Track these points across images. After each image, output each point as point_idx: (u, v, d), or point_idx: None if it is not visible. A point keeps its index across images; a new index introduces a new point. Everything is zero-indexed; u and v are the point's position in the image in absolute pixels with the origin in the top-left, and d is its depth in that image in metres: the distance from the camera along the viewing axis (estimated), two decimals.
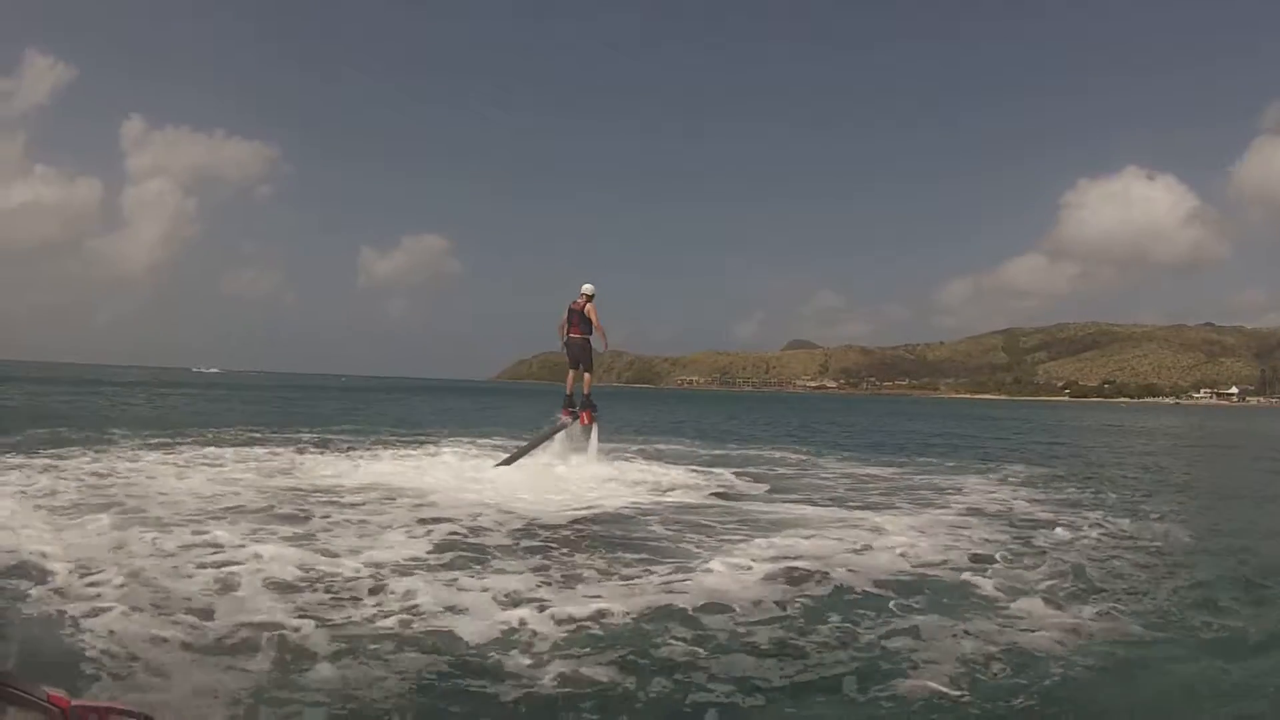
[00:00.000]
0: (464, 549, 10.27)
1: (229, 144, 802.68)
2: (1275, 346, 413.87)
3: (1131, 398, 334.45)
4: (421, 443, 25.24)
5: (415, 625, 7.15)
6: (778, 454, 25.92)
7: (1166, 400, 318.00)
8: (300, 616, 7.15)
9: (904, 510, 14.45)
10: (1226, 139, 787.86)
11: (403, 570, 9.00)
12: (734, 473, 19.65)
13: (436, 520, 12.03)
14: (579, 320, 19.78)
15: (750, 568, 9.48)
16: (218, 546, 9.64)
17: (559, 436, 19.80)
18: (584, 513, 13.28)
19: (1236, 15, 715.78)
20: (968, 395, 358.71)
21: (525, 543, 10.92)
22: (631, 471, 18.93)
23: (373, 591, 8.15)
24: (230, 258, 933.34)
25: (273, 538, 10.37)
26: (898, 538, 11.60)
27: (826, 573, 9.27)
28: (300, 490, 14.53)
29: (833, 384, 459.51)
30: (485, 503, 13.73)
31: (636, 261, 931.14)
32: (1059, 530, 12.68)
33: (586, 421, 20.10)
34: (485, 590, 8.27)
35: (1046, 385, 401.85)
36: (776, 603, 8.18)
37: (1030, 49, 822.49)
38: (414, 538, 10.87)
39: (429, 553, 9.99)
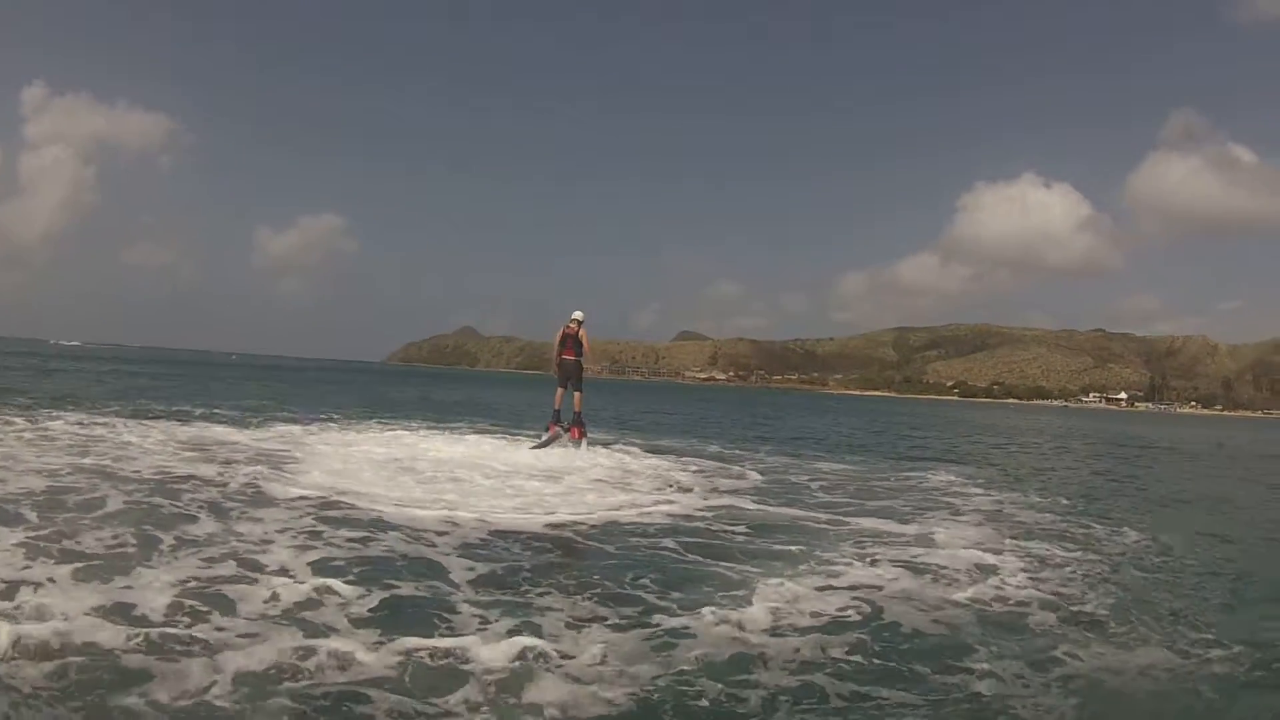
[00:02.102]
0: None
1: (131, 114, 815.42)
2: (1164, 354, 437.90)
3: (1020, 399, 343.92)
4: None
5: None
6: (713, 448, 27.20)
7: (1055, 403, 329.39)
8: None
9: (929, 520, 14.49)
10: (1123, 150, 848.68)
11: None
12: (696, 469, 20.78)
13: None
14: (572, 343, 22.33)
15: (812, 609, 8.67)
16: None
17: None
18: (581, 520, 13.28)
19: (1138, 29, 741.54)
20: (857, 392, 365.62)
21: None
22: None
23: None
24: (127, 229, 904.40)
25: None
26: (964, 553, 11.62)
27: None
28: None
29: (722, 376, 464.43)
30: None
31: (538, 247, 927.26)
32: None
33: (577, 436, 22.06)
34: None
35: (936, 384, 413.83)
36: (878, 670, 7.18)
37: (938, 49, 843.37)
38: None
39: None
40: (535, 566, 10.03)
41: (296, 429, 25.02)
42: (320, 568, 9.21)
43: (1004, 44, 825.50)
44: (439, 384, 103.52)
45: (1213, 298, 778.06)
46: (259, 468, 15.94)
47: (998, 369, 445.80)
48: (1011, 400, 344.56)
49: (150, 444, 18.51)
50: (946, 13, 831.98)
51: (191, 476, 14.52)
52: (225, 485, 13.93)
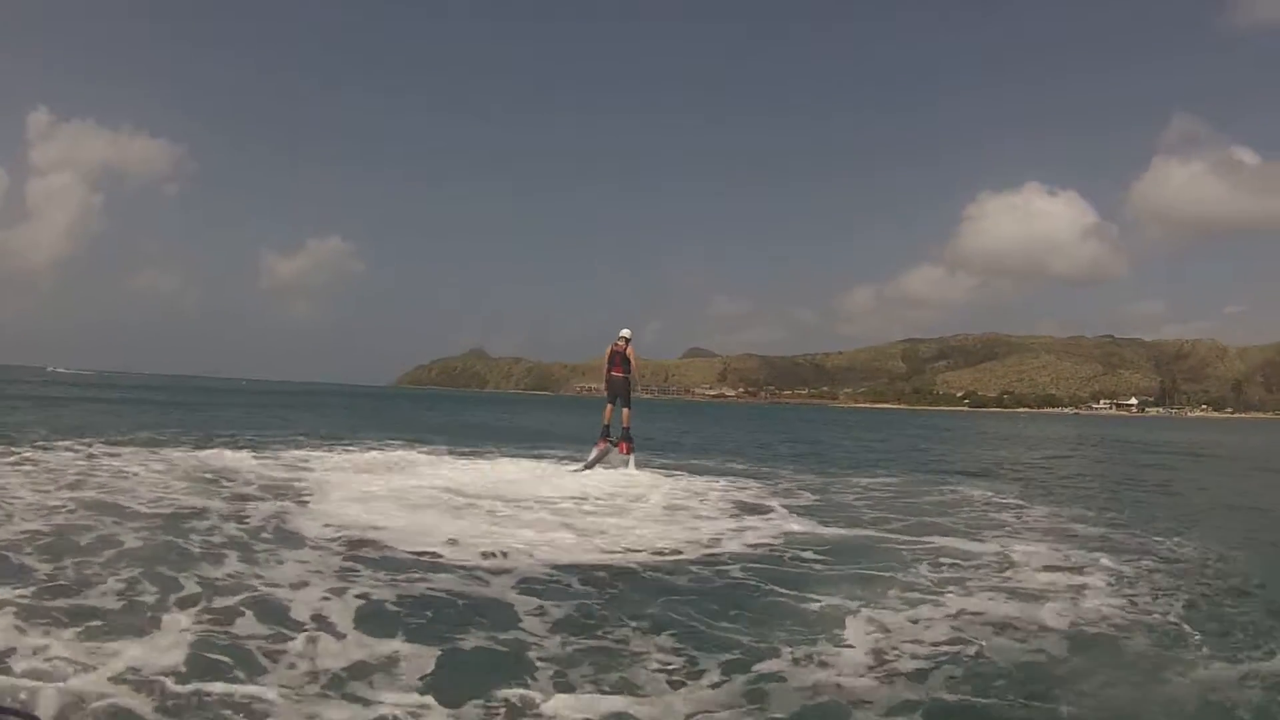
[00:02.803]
0: None
1: (136, 140, 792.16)
2: (1173, 359, 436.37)
3: (1030, 408, 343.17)
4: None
5: None
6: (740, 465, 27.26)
7: (1066, 411, 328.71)
8: None
9: (995, 538, 14.06)
10: (1126, 157, 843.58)
11: None
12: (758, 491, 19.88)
13: None
14: (620, 361, 23.00)
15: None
16: None
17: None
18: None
19: (1136, 35, 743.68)
20: (867, 405, 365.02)
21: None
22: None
23: None
24: (133, 256, 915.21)
25: None
26: (1045, 575, 11.11)
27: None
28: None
29: (731, 392, 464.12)
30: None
31: (539, 266, 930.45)
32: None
33: (625, 451, 22.67)
34: None
35: (945, 395, 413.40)
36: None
37: (939, 59, 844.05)
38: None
39: None
40: (606, 606, 9.14)
41: (321, 455, 24.05)
42: (364, 618, 8.21)
43: (1004, 53, 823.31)
44: (456, 406, 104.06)
45: (1219, 300, 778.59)
46: (283, 502, 14.97)
47: (1007, 378, 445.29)
48: (1022, 409, 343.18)
49: (159, 475, 17.66)
50: (946, 23, 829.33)
51: (206, 510, 13.63)
52: (246, 520, 13.02)
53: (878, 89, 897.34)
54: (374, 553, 11.14)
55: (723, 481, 21.54)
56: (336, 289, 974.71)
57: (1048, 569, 11.37)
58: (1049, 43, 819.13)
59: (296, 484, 17.46)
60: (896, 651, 7.66)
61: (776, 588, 10.05)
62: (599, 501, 16.84)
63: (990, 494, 20.55)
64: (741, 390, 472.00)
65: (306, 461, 21.96)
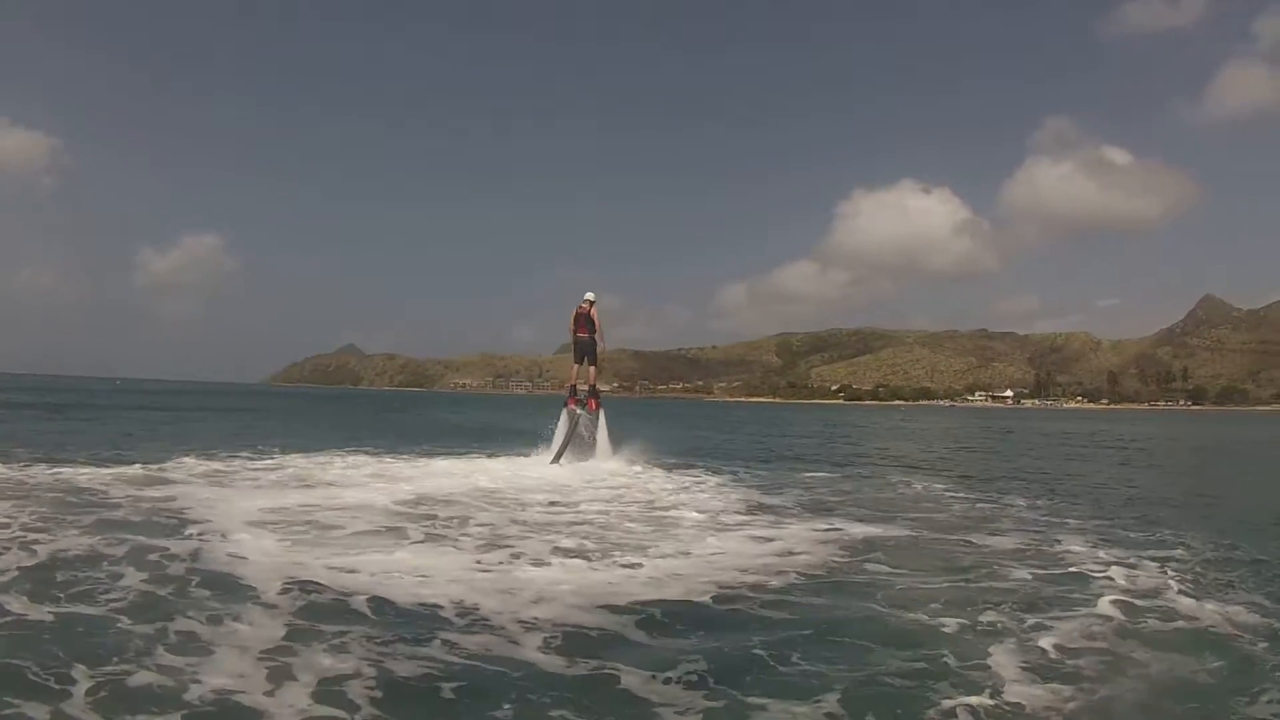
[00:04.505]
0: None
1: (13, 132, 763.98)
2: (1047, 351, 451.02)
3: (906, 400, 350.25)
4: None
5: None
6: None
7: (942, 403, 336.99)
8: None
9: (1023, 534, 13.99)
10: (1000, 156, 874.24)
11: None
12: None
13: None
14: (585, 322, 24.14)
15: None
16: None
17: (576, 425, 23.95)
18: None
19: (1013, 41, 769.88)
20: (742, 398, 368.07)
21: None
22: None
23: None
24: (8, 252, 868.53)
25: None
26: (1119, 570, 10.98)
27: None
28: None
29: (606, 387, 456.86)
30: None
31: (413, 261, 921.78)
32: None
33: (594, 408, 24.35)
34: None
35: (820, 389, 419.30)
36: None
37: (814, 59, 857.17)
38: None
39: None
40: (668, 654, 7.41)
41: (237, 468, 20.53)
42: (357, 708, 6.09)
43: (881, 54, 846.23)
44: (362, 406, 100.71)
45: (1092, 295, 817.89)
46: (200, 533, 11.70)
47: (882, 371, 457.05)
48: (898, 401, 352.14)
49: (15, 503, 13.69)
50: (822, 23, 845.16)
51: (97, 555, 10.21)
52: (153, 559, 10.02)
53: (750, 88, 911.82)
54: (332, 597, 8.61)
55: (687, 476, 21.76)
56: (210, 286, 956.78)
57: (1112, 565, 11.16)
58: (925, 45, 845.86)
59: (202, 509, 13.72)
60: (1050, 669, 7.16)
61: (860, 604, 9.20)
62: (594, 502, 15.92)
63: (938, 487, 21.02)
64: (616, 385, 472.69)
65: (223, 476, 18.69)
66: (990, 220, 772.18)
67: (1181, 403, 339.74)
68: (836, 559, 11.45)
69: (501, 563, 10.57)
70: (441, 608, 8.42)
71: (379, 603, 8.43)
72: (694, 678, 6.78)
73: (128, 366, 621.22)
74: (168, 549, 10.47)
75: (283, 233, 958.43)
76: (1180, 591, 9.69)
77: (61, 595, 8.36)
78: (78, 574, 9.19)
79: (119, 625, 7.55)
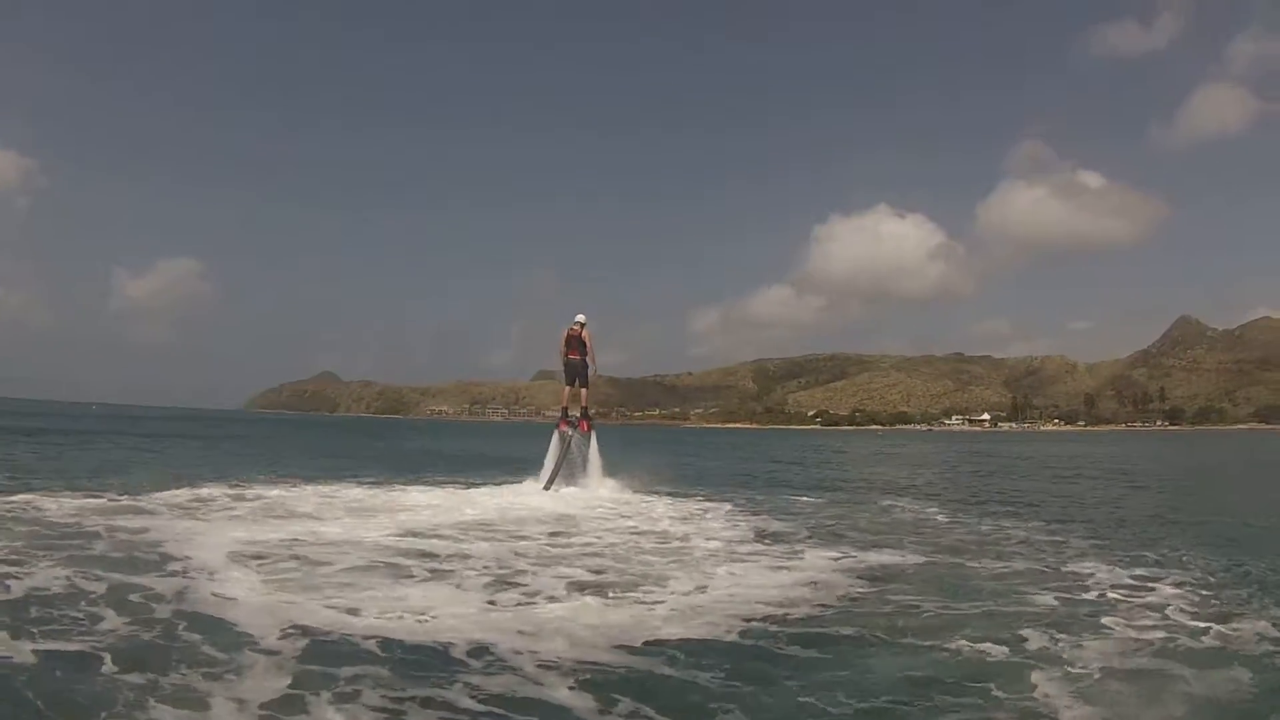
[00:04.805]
0: None
1: None
2: (1022, 375, 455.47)
3: (883, 425, 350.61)
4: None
5: None
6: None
7: (919, 427, 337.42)
8: None
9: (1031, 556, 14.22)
10: (974, 180, 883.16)
11: None
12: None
13: None
14: (577, 344, 24.08)
15: None
16: None
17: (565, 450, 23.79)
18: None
19: (988, 64, 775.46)
20: (719, 424, 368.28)
21: None
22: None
23: None
24: None
25: None
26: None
27: None
28: None
29: None
30: None
31: (394, 289, 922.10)
32: None
33: (586, 429, 24.46)
34: None
35: (798, 414, 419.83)
36: None
37: (790, 85, 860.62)
38: None
39: None
40: (703, 696, 7.02)
41: (215, 495, 19.68)
42: None
43: (856, 78, 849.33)
44: (326, 432, 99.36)
45: (1066, 318, 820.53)
46: (183, 570, 10.94)
47: (858, 396, 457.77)
48: (875, 426, 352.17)
49: (2, 535, 13.06)
50: (801, 46, 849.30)
51: (76, 592, 9.49)
52: (136, 600, 9.30)
53: (726, 111, 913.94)
54: (345, 646, 7.87)
55: (687, 502, 21.78)
56: (186, 310, 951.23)
57: (1138, 587, 11.29)
58: (901, 67, 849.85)
59: (180, 543, 12.94)
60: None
61: (933, 645, 8.60)
62: (606, 534, 15.41)
63: (930, 510, 21.55)
64: (594, 411, 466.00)
65: (200, 506, 17.86)
66: (965, 244, 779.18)
67: (1158, 423, 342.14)
68: (859, 589, 11.18)
69: (516, 601, 9.97)
70: (455, 649, 7.84)
71: (387, 645, 7.84)
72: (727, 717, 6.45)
73: (103, 391, 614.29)
74: (151, 588, 9.78)
75: (260, 258, 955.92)
76: (1202, 610, 9.84)
77: (39, 635, 7.76)
78: (55, 611, 8.57)
79: (105, 673, 6.93)
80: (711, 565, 12.58)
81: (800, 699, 6.95)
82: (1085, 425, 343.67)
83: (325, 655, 7.53)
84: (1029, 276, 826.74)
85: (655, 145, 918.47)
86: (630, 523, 17.22)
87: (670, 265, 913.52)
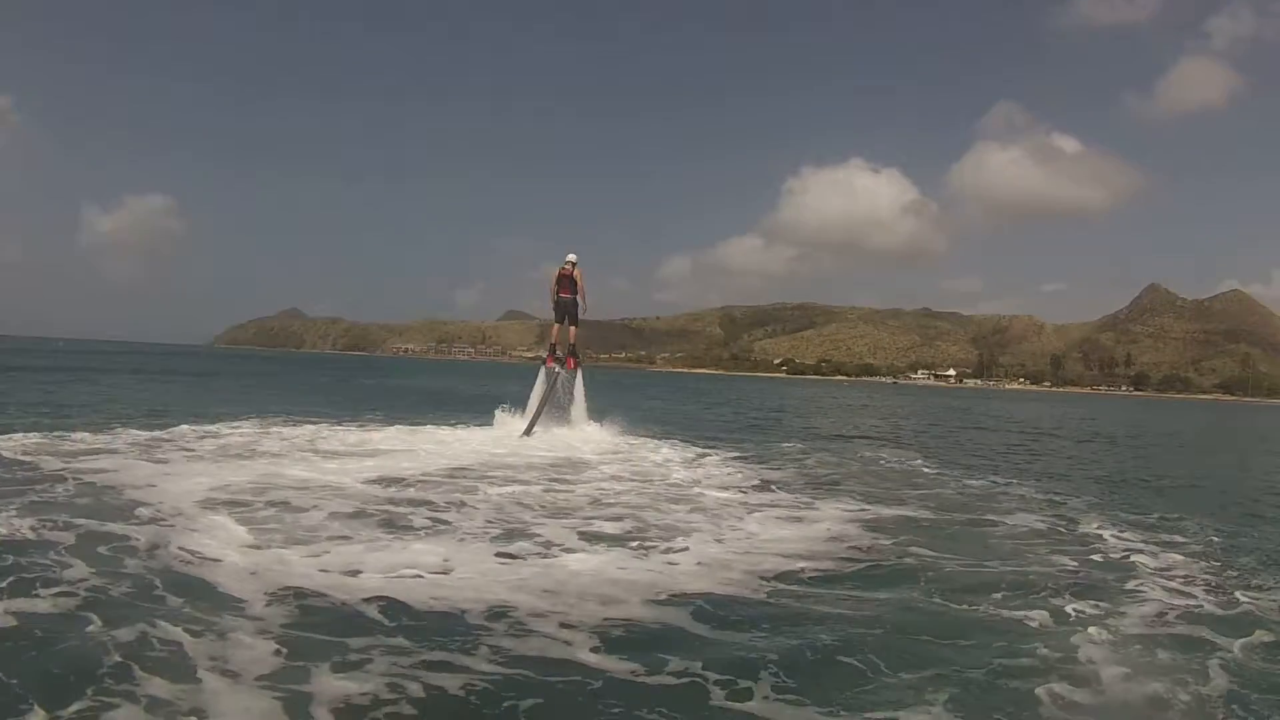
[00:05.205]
0: None
1: None
2: (990, 332, 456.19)
3: (848, 375, 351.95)
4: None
5: None
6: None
7: (885, 380, 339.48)
8: None
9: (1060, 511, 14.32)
10: (950, 138, 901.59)
11: None
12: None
13: None
14: (568, 283, 24.25)
15: None
16: None
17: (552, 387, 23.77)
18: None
19: (969, 30, 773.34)
20: (685, 369, 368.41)
21: None
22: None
23: None
24: None
25: None
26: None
27: None
28: None
29: (548, 355, 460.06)
30: None
31: (364, 227, 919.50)
32: None
33: (572, 366, 24.54)
34: None
35: (764, 362, 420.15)
36: None
37: (769, 37, 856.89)
38: None
39: None
40: (742, 653, 6.61)
41: (183, 434, 18.49)
42: None
43: (835, 34, 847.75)
44: (294, 368, 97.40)
45: (1036, 280, 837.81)
46: (154, 517, 10.02)
47: (825, 346, 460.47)
48: (841, 377, 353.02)
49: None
50: (779, 4, 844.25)
51: (44, 542, 8.57)
52: (105, 553, 8.40)
53: (703, 64, 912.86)
54: (346, 604, 7.22)
55: (696, 451, 21.23)
56: (155, 246, 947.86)
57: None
58: (881, 27, 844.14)
59: (148, 488, 11.86)
60: None
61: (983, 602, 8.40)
62: (648, 490, 14.25)
63: (913, 459, 22.24)
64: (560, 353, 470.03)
65: (167, 446, 16.59)
66: (938, 202, 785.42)
67: (1124, 388, 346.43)
68: (881, 542, 10.93)
69: (530, 555, 9.28)
70: (472, 612, 7.16)
71: (394, 607, 7.13)
72: (776, 678, 6.13)
73: (69, 327, 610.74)
74: (125, 538, 8.88)
75: (228, 195, 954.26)
76: (1223, 576, 9.77)
77: (6, 593, 6.94)
78: (23, 564, 7.66)
79: (85, 639, 6.15)
80: (726, 515, 12.16)
81: (840, 658, 6.62)
82: (1051, 386, 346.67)
83: (325, 619, 6.82)
84: (1001, 236, 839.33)
85: (634, 98, 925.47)
86: (631, 469, 16.71)
87: (642, 213, 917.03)
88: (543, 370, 24.61)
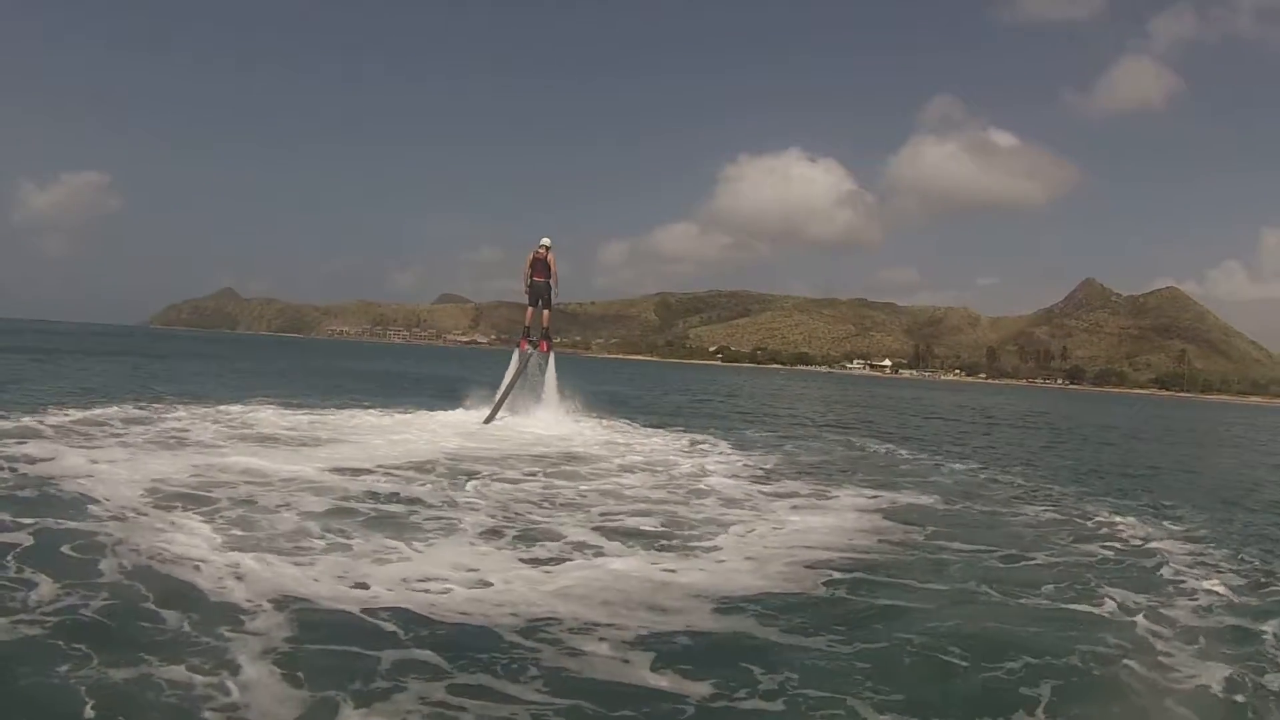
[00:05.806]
0: None
1: None
2: (924, 324, 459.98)
3: (784, 364, 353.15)
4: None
5: None
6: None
7: (819, 369, 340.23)
8: None
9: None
10: (889, 130, 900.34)
11: None
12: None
13: None
14: (541, 267, 24.54)
15: None
16: None
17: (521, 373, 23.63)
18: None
19: (909, 21, 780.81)
20: (620, 355, 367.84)
21: None
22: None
23: None
24: None
25: None
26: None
27: None
28: None
29: (484, 339, 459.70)
30: None
31: (298, 207, 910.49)
32: None
33: (545, 349, 24.72)
34: None
35: (699, 349, 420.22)
36: None
37: (708, 18, 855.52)
38: None
39: None
40: (811, 656, 6.17)
41: (118, 417, 17.07)
42: None
43: (775, 19, 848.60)
44: (230, 349, 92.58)
45: (971, 272, 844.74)
46: (109, 515, 8.85)
47: (760, 335, 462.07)
48: (776, 365, 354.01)
49: None
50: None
51: None
52: (81, 562, 7.40)
53: (639, 45, 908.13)
54: (342, 619, 6.27)
55: (651, 433, 21.90)
56: (91, 224, 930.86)
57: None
58: (821, 12, 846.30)
59: (89, 480, 10.61)
60: None
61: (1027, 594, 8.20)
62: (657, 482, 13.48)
63: (897, 450, 21.93)
64: (494, 337, 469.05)
65: (104, 431, 15.19)
66: (874, 193, 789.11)
67: (1059, 381, 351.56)
68: (913, 534, 10.63)
69: (562, 557, 8.34)
70: (507, 626, 6.26)
71: (414, 624, 6.15)
72: (879, 685, 5.67)
73: (2, 306, 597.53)
74: (93, 537, 7.74)
75: (163, 173, 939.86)
76: (1237, 566, 9.83)
77: None
78: None
79: (63, 664, 5.17)
80: (749, 507, 11.72)
81: (934, 655, 6.28)
82: (986, 378, 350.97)
83: (340, 640, 5.83)
84: (937, 228, 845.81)
85: (570, 78, 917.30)
86: (632, 459, 15.94)
87: (578, 197, 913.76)
88: (516, 352, 24.87)
